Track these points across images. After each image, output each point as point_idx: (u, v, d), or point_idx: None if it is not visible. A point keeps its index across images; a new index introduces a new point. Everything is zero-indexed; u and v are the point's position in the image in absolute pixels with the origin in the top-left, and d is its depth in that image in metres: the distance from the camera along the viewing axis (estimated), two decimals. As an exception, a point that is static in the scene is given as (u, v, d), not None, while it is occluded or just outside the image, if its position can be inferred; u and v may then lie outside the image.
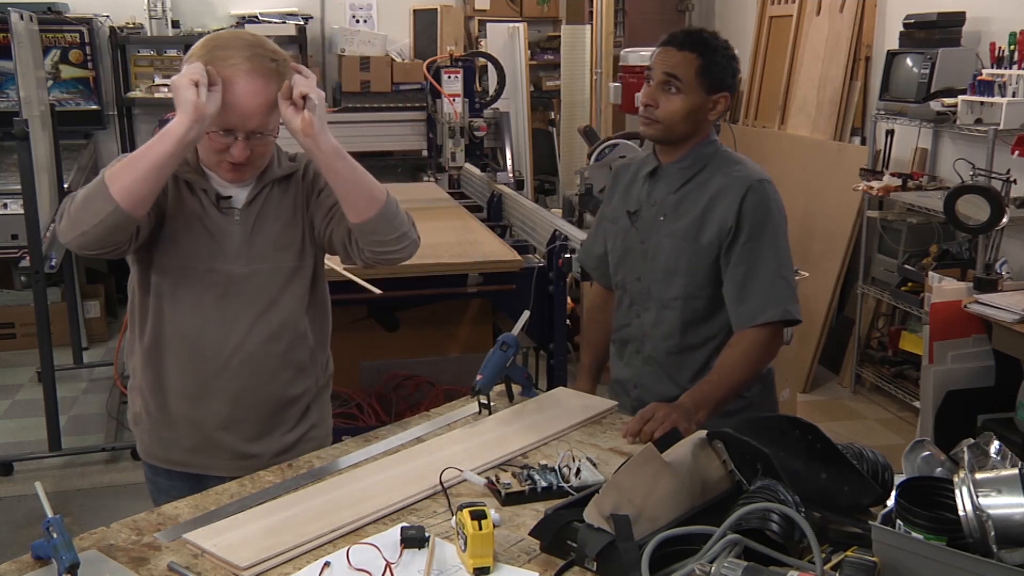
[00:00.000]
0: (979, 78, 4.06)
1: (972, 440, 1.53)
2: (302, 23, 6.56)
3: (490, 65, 5.66)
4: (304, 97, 1.78)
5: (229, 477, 1.84)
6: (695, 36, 2.16)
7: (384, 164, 6.30)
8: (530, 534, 1.55)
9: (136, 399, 2.08)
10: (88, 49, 6.23)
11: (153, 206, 1.86)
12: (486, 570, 1.46)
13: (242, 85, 1.79)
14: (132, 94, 6.37)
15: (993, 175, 3.84)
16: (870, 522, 1.44)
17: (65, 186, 5.06)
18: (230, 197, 1.94)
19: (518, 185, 5.05)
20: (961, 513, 1.32)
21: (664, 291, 2.21)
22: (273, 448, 2.01)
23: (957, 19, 4.44)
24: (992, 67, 4.12)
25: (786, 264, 2.16)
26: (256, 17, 6.51)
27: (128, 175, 1.74)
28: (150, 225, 1.89)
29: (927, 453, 1.63)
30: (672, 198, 2.21)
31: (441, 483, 1.72)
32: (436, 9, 6.75)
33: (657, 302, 2.23)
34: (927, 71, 4.40)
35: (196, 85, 1.72)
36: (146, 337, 1.99)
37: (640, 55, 5.30)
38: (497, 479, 1.73)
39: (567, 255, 3.28)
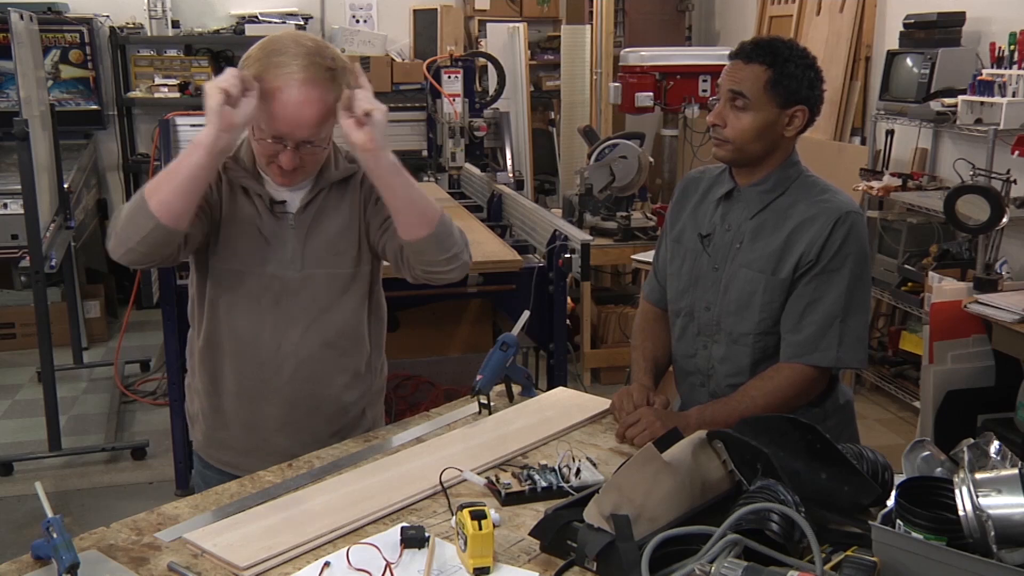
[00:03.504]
0: (979, 78, 4.06)
1: (972, 440, 1.53)
2: (302, 23, 6.55)
3: (490, 65, 5.66)
4: (367, 113, 1.73)
5: None
6: (763, 46, 1.98)
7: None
8: (530, 534, 1.55)
9: (193, 399, 2.09)
10: (88, 49, 6.23)
11: (204, 212, 1.86)
12: (486, 570, 1.46)
13: (294, 95, 1.75)
14: (132, 94, 6.37)
15: (993, 175, 3.84)
16: (870, 522, 1.44)
17: (65, 186, 5.05)
18: (284, 202, 1.93)
19: (518, 185, 5.05)
20: (961, 513, 1.32)
21: (736, 325, 2.05)
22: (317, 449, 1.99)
23: (957, 19, 4.44)
24: (992, 67, 4.12)
25: (855, 309, 1.99)
26: (256, 17, 6.51)
27: (164, 189, 1.73)
28: (203, 231, 1.88)
29: (927, 453, 1.63)
30: (750, 224, 2.05)
31: (441, 483, 1.72)
32: (436, 9, 6.75)
33: (727, 336, 2.07)
34: (927, 71, 4.40)
35: (226, 93, 1.69)
36: (201, 338, 1.99)
37: (640, 55, 5.30)
38: (497, 479, 1.73)
39: (567, 255, 3.28)
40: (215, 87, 1.70)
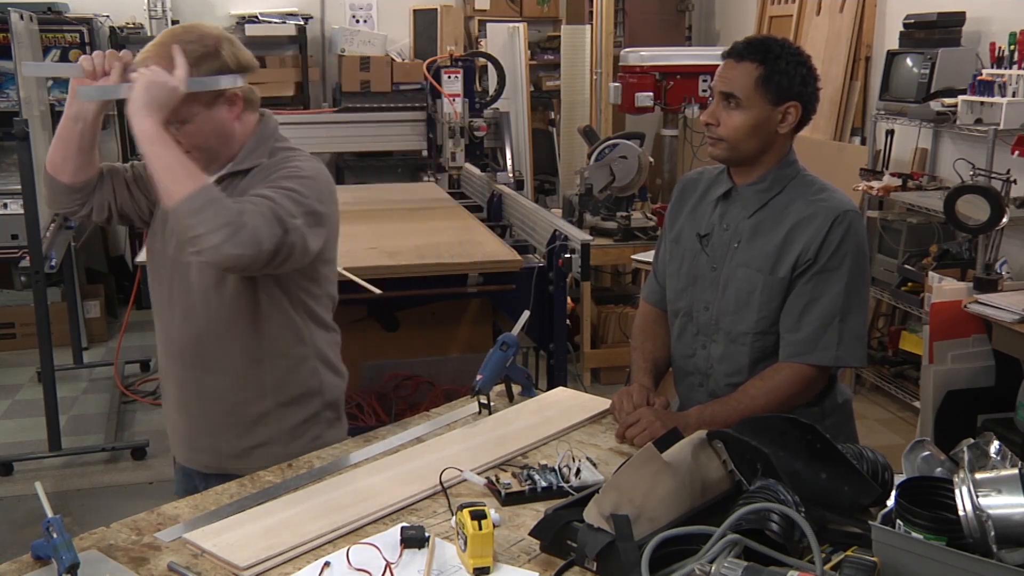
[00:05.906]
0: (979, 78, 4.06)
1: (972, 440, 1.53)
2: (302, 23, 6.56)
3: (490, 65, 5.67)
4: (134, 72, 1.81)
5: (198, 472, 2.01)
6: (755, 44, 2.00)
7: (384, 164, 6.29)
8: (530, 534, 1.55)
9: None
10: (88, 49, 6.21)
11: (126, 184, 1.99)
12: (486, 570, 1.46)
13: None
14: (132, 94, 6.37)
15: (993, 175, 3.84)
16: (870, 522, 1.44)
17: (65, 186, 5.04)
18: None
19: (518, 185, 5.06)
20: (961, 513, 1.32)
21: (734, 324, 2.06)
22: (223, 450, 2.00)
23: (957, 19, 4.44)
24: (992, 67, 4.12)
25: (854, 308, 1.99)
26: (256, 17, 6.51)
27: (52, 144, 1.93)
28: (137, 205, 2.01)
29: (927, 453, 1.63)
30: (747, 223, 2.05)
31: (441, 483, 1.72)
32: (436, 9, 6.75)
33: (726, 335, 2.07)
34: (927, 71, 4.40)
35: (83, 68, 1.81)
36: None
37: (640, 55, 5.30)
38: (497, 479, 1.73)
39: (567, 255, 3.28)
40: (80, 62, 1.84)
